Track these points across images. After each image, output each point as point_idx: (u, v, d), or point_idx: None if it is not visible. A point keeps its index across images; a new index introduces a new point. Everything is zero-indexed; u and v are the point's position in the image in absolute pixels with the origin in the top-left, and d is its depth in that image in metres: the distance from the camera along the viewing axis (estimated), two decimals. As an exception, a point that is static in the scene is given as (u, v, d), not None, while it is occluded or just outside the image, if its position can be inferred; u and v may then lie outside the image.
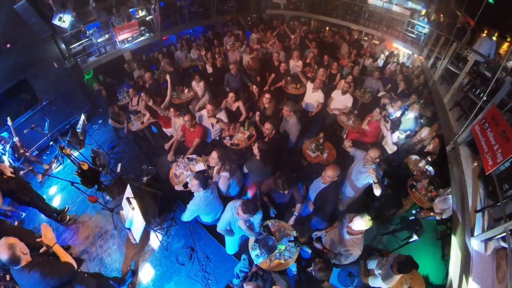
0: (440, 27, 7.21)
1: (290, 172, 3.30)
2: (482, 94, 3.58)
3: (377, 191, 3.25)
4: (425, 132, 4.63)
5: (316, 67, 6.71)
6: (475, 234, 2.52)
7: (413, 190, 3.91)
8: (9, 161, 4.52)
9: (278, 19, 10.55)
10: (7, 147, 4.51)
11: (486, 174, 2.75)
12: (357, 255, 2.72)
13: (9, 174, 3.78)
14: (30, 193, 4.04)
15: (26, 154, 4.89)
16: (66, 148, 4.01)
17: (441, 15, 8.11)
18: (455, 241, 2.75)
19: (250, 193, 3.70)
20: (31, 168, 5.10)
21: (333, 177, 3.05)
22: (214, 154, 3.21)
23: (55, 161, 5.60)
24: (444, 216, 3.51)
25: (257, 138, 4.47)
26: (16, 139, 4.52)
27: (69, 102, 6.48)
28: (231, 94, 4.76)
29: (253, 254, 3.00)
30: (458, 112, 4.18)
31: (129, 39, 7.89)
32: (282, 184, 2.96)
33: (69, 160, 4.31)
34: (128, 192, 3.30)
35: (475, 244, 2.46)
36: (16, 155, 4.66)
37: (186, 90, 6.02)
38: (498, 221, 2.50)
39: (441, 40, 6.07)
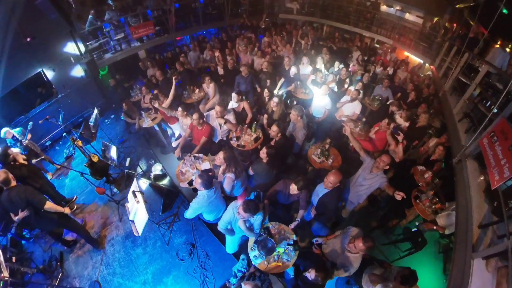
0: (452, 36, 7.10)
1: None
2: (492, 106, 3.53)
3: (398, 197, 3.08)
4: (433, 143, 4.57)
5: (326, 72, 6.72)
6: (477, 250, 2.48)
7: (417, 201, 3.85)
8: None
9: (291, 24, 10.60)
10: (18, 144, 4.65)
11: (492, 189, 2.71)
12: (353, 271, 2.71)
13: (21, 161, 3.94)
14: (41, 180, 4.20)
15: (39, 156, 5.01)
16: (78, 140, 4.16)
17: (454, 24, 7.96)
18: (456, 255, 2.71)
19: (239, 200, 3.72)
20: (43, 157, 5.29)
21: (334, 183, 3.06)
22: (221, 155, 3.28)
23: (66, 162, 5.76)
24: (446, 232, 3.45)
25: (264, 141, 4.52)
26: (28, 137, 4.65)
27: (84, 96, 6.69)
28: (233, 95, 4.83)
29: (251, 254, 3.03)
30: (467, 123, 4.12)
31: (144, 38, 8.08)
32: (301, 185, 3.03)
33: (80, 152, 4.45)
34: (135, 185, 3.39)
35: (476, 260, 2.42)
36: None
37: (197, 90, 6.15)
38: (502, 238, 2.45)
39: (453, 50, 5.98)
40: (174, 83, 4.89)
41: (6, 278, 3.06)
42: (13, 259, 3.71)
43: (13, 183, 3.07)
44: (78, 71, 6.42)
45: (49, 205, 3.22)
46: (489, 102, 3.90)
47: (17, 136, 4.62)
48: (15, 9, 4.81)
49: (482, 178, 3.16)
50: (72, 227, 3.78)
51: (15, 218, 3.09)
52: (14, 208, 3.04)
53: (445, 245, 4.02)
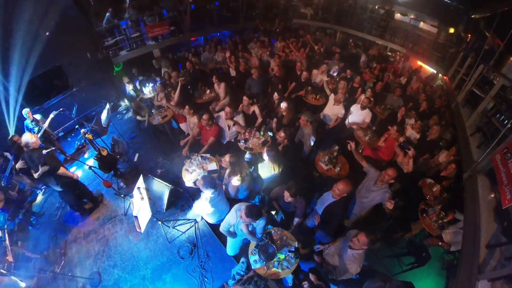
0: (467, 47, 6.94)
1: (301, 182, 3.30)
2: (506, 121, 3.43)
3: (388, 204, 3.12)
4: (443, 156, 4.47)
5: (337, 79, 6.69)
6: (483, 271, 2.40)
7: (424, 215, 3.78)
8: None
9: (304, 29, 10.59)
10: (37, 129, 4.80)
11: (503, 208, 2.63)
12: (355, 272, 2.66)
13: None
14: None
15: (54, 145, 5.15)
16: (89, 133, 4.26)
17: (469, 35, 7.77)
18: (461, 275, 2.63)
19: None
20: (53, 148, 5.44)
21: (342, 192, 3.00)
22: (227, 158, 3.30)
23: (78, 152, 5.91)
24: (452, 249, 3.36)
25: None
26: (46, 124, 4.80)
27: (98, 91, 6.86)
28: (245, 98, 4.85)
29: (252, 259, 3.02)
30: (480, 138, 4.01)
31: (159, 37, 8.23)
32: (293, 191, 2.99)
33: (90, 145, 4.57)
34: (140, 182, 3.45)
35: (481, 282, 2.34)
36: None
37: (208, 91, 6.21)
38: (510, 260, 2.37)
39: (468, 61, 5.85)
40: (180, 84, 4.95)
41: (10, 261, 3.17)
42: (19, 243, 3.84)
43: (35, 145, 3.54)
44: (93, 67, 6.59)
45: (62, 171, 3.76)
46: (503, 117, 3.79)
47: (39, 120, 4.88)
48: (36, 3, 4.99)
49: (492, 195, 3.06)
50: (76, 194, 4.23)
51: (36, 174, 3.56)
52: (35, 166, 3.53)
53: (449, 261, 3.93)
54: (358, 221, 3.92)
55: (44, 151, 3.92)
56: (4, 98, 5.01)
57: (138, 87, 6.63)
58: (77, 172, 4.88)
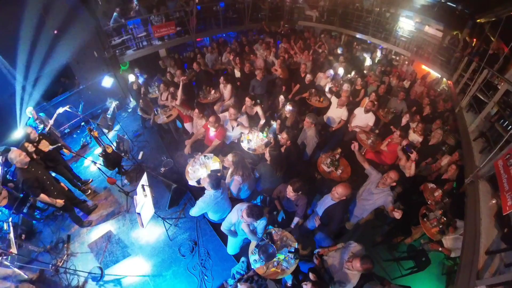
0: (472, 52, 6.90)
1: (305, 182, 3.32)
2: (510, 127, 3.42)
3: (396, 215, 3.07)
4: (445, 160, 4.46)
5: (341, 81, 6.71)
6: (482, 277, 2.40)
7: (425, 219, 3.77)
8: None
9: (310, 31, 10.61)
10: (41, 126, 4.88)
11: (504, 214, 2.63)
12: (351, 286, 2.66)
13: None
14: (58, 165, 4.51)
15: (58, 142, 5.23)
16: (94, 130, 4.33)
17: (474, 39, 7.71)
18: (459, 280, 2.63)
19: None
20: (59, 144, 5.52)
21: (341, 195, 3.01)
22: (230, 157, 3.34)
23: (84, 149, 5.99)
24: (452, 255, 3.35)
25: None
26: (51, 121, 4.85)
27: (104, 89, 6.93)
28: (247, 98, 4.88)
29: (252, 258, 3.05)
30: (483, 143, 3.99)
31: (165, 37, 8.31)
32: (297, 186, 3.03)
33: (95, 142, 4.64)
34: (144, 179, 3.50)
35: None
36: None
37: (212, 91, 6.27)
38: (509, 267, 2.36)
39: (472, 65, 5.82)
40: (181, 83, 5.01)
41: (14, 254, 3.24)
42: (23, 236, 3.92)
43: (19, 165, 3.30)
44: (100, 65, 6.69)
45: (42, 197, 3.46)
46: (507, 122, 3.78)
47: (42, 118, 4.93)
48: (45, 2, 5.09)
49: (494, 201, 3.06)
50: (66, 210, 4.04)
51: None
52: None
53: (449, 267, 3.92)
54: (360, 224, 3.93)
55: (51, 147, 4.02)
56: (14, 94, 5.12)
57: (143, 85, 6.71)
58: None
